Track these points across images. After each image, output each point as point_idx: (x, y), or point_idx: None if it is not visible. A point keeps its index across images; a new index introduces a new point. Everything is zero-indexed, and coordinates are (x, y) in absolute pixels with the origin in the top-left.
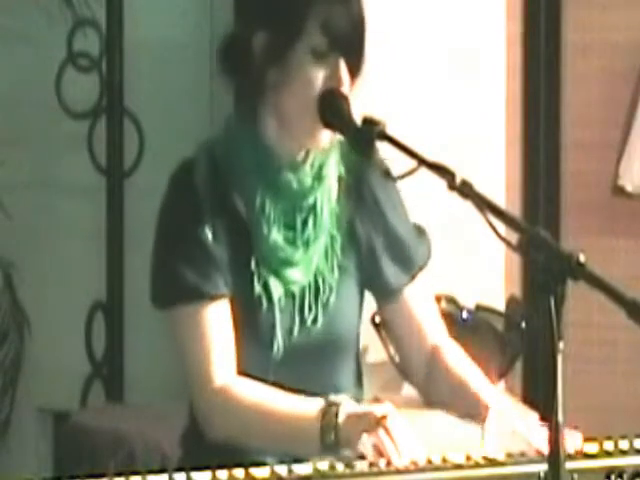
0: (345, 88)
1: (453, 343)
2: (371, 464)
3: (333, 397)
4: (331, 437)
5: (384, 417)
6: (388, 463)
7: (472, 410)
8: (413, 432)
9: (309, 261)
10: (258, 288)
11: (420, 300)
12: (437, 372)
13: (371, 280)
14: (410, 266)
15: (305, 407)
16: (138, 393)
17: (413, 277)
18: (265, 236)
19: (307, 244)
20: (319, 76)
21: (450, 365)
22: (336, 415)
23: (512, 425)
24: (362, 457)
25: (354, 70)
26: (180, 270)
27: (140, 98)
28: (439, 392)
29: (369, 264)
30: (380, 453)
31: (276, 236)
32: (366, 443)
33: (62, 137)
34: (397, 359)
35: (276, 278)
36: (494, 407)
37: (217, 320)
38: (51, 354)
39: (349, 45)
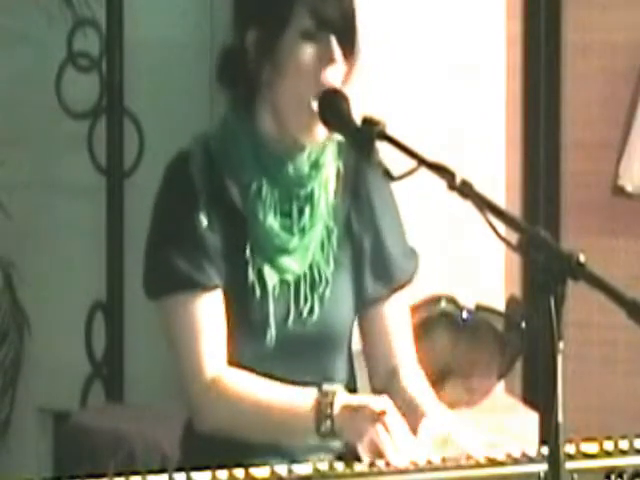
0: (339, 68)
1: (415, 365)
2: (371, 464)
3: (327, 386)
4: (327, 425)
5: (382, 413)
6: (387, 464)
7: (413, 420)
8: (408, 430)
9: (305, 250)
10: (252, 276)
11: (394, 319)
12: (393, 390)
13: (355, 280)
14: (390, 280)
15: (299, 396)
16: (138, 393)
17: (392, 292)
18: (261, 222)
19: (303, 232)
20: (311, 57)
21: (403, 383)
22: (331, 404)
23: (445, 432)
24: (357, 456)
25: (348, 52)
26: (174, 259)
27: (140, 98)
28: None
29: (358, 264)
30: (377, 450)
31: (272, 222)
32: (363, 440)
33: (62, 137)
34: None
35: (271, 266)
36: (429, 415)
37: (209, 311)
38: (51, 354)
39: (339, 26)
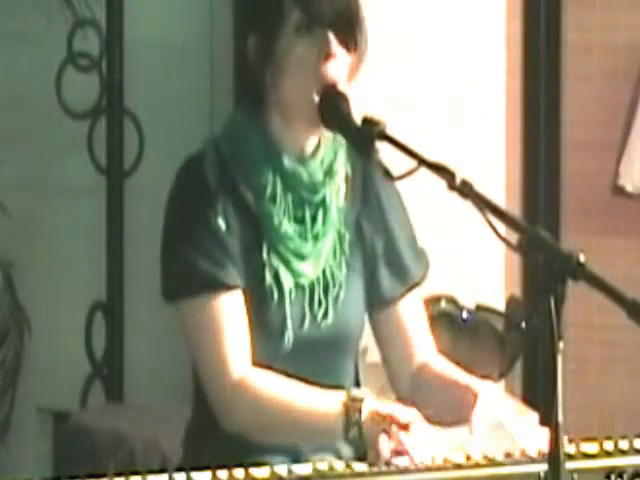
0: (342, 62)
1: (442, 358)
2: (371, 464)
3: (355, 391)
4: (354, 432)
5: (408, 425)
6: (387, 464)
7: (462, 405)
8: (434, 440)
9: (318, 255)
10: (269, 279)
11: (412, 315)
12: (424, 384)
13: (368, 283)
14: (405, 278)
15: (327, 400)
16: (138, 393)
17: (408, 290)
18: (276, 226)
19: (316, 238)
20: (309, 53)
21: (438, 373)
22: (359, 411)
23: (499, 416)
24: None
25: (350, 46)
26: (196, 261)
27: (140, 98)
28: (427, 402)
29: (370, 266)
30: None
31: (287, 227)
32: (386, 446)
33: (62, 137)
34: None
35: (287, 269)
36: (483, 394)
37: (233, 311)
38: (51, 354)
39: (334, 19)
